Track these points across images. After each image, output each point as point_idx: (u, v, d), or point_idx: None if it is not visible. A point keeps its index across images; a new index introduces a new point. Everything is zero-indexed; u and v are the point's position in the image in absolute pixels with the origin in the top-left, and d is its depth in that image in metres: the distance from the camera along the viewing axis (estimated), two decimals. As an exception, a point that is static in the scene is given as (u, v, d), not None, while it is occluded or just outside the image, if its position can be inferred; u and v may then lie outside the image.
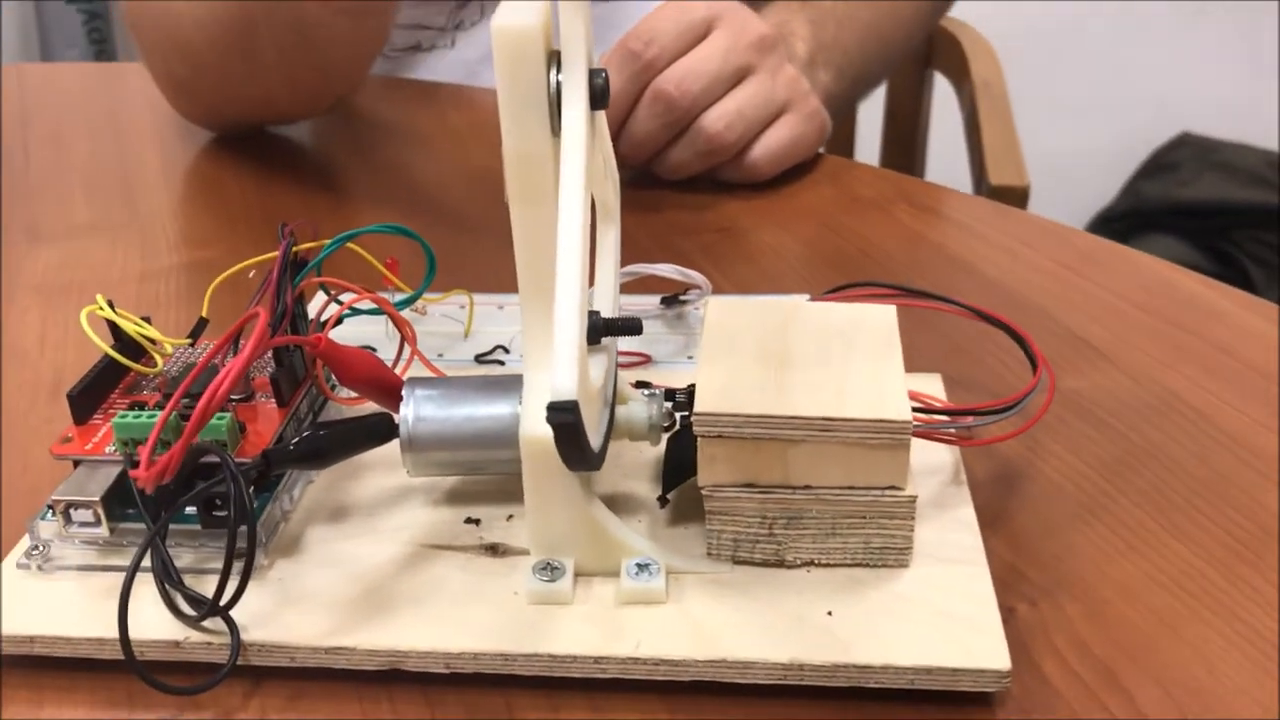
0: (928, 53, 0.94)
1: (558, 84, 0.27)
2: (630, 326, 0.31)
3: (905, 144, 0.99)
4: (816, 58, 0.61)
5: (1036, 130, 2.09)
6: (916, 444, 0.30)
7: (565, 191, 0.27)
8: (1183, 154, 1.91)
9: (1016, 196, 0.70)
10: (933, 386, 0.37)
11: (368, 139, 0.64)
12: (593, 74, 0.28)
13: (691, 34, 0.54)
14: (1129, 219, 1.93)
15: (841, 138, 1.03)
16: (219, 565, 0.28)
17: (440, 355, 0.41)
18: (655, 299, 0.43)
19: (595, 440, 0.27)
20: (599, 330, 0.30)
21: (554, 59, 0.27)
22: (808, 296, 0.42)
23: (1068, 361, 0.40)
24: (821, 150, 0.58)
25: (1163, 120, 1.96)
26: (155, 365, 0.34)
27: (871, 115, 0.99)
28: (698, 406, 0.29)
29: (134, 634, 0.28)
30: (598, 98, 0.28)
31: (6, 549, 0.32)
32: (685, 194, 0.55)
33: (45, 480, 0.36)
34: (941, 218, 0.52)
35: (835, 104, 0.64)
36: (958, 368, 0.39)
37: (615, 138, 0.54)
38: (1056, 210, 2.05)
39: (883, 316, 0.32)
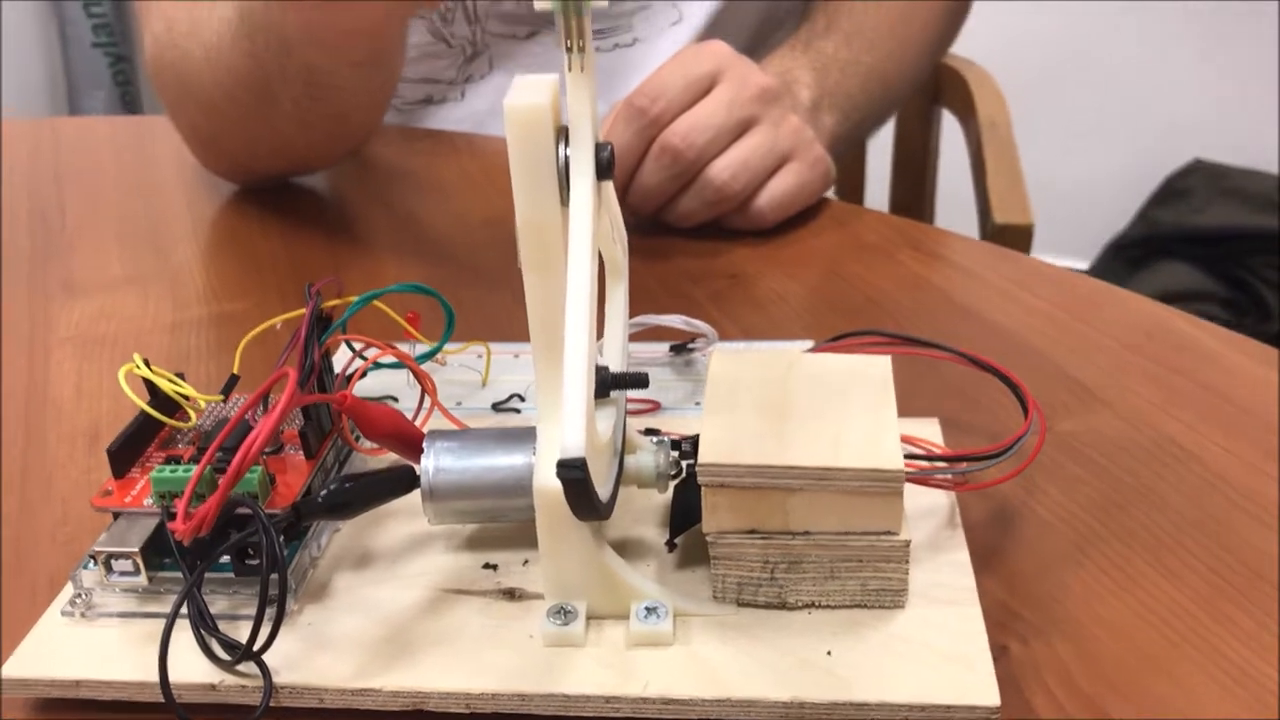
0: (935, 90, 0.96)
1: (566, 158, 0.29)
2: (637, 380, 0.33)
3: (915, 178, 1.01)
4: (821, 102, 0.63)
5: (1051, 158, 2.12)
6: (914, 488, 0.31)
7: (574, 259, 0.29)
8: (1194, 180, 1.93)
9: (1021, 235, 0.71)
10: (931, 431, 0.38)
11: (386, 188, 0.66)
12: (599, 147, 0.29)
13: (696, 89, 0.56)
14: (1143, 245, 1.94)
15: (852, 172, 1.05)
16: (251, 610, 0.30)
17: (459, 404, 0.42)
18: (665, 346, 0.45)
19: (604, 491, 0.29)
20: (607, 385, 0.32)
21: (562, 134, 0.29)
22: (811, 343, 0.43)
23: (1063, 404, 0.42)
24: (828, 194, 0.60)
25: (1174, 147, 1.97)
26: (189, 420, 0.36)
27: (881, 149, 1.01)
28: (701, 457, 0.30)
29: (172, 677, 0.29)
30: (604, 169, 0.30)
31: (49, 596, 0.34)
32: (694, 241, 0.56)
33: (84, 529, 0.39)
34: (944, 262, 0.53)
35: (840, 146, 0.65)
36: (957, 411, 0.40)
37: (625, 189, 0.56)
38: (1071, 237, 2.07)
39: (878, 367, 0.34)
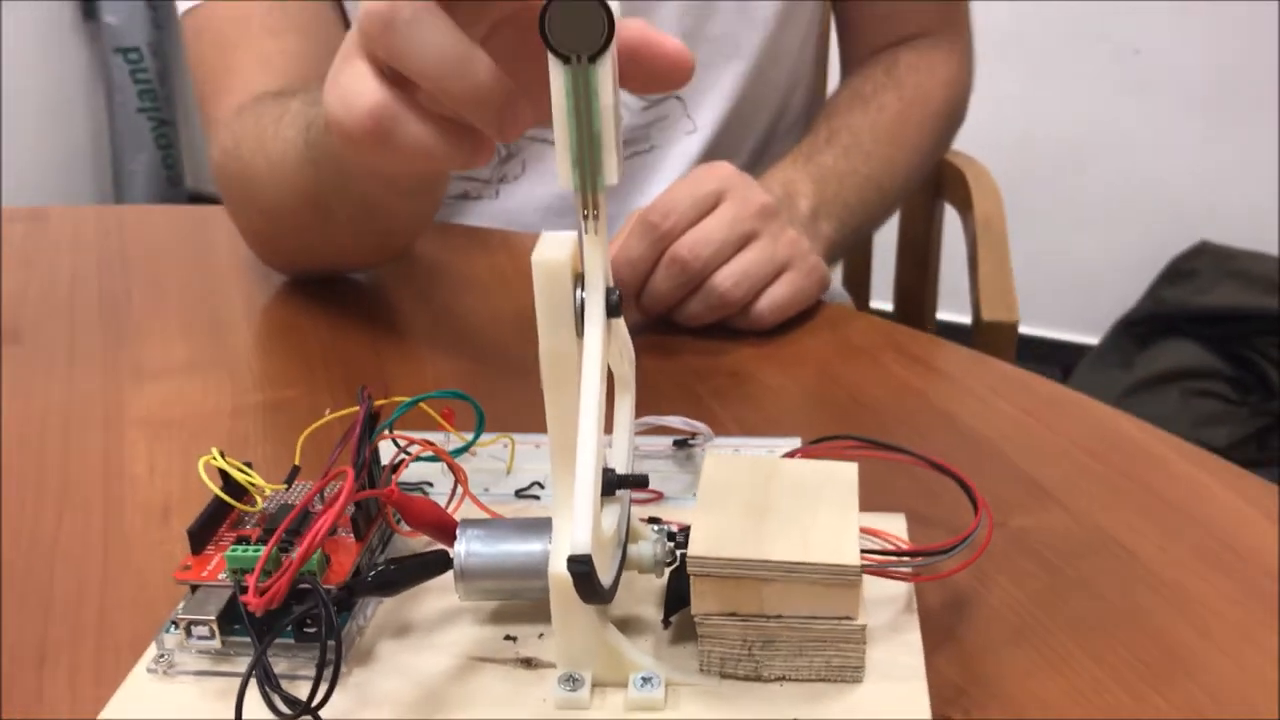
0: (938, 185, 1.02)
1: (582, 300, 0.35)
2: (638, 481, 0.39)
3: (919, 267, 1.07)
4: (820, 211, 0.69)
5: (1066, 237, 2.18)
6: (878, 578, 0.37)
7: (585, 384, 0.35)
8: (1201, 262, 1.98)
9: (1006, 330, 0.77)
10: (896, 526, 0.44)
11: (425, 282, 0.73)
12: (608, 292, 0.36)
13: (703, 206, 0.62)
14: (1150, 323, 1.99)
15: (859, 260, 1.11)
16: (306, 671, 0.36)
17: (486, 490, 0.48)
18: (668, 441, 0.50)
19: (607, 579, 0.35)
20: (613, 484, 0.38)
21: (579, 279, 0.35)
22: (799, 440, 0.49)
23: (1019, 501, 0.47)
24: (823, 299, 0.66)
25: (1182, 229, 2.03)
26: (256, 505, 0.42)
27: (887, 238, 1.07)
28: (691, 551, 0.36)
29: (243, 728, 0.35)
30: (613, 309, 0.36)
31: (130, 653, 0.39)
32: (700, 340, 0.62)
33: (160, 597, 0.44)
34: (924, 366, 0.59)
35: (838, 250, 0.72)
36: (922, 507, 0.46)
37: (638, 294, 0.62)
38: (1084, 313, 2.13)
39: (846, 473, 0.40)
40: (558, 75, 0.33)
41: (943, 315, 1.07)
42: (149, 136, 2.76)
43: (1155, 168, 2.03)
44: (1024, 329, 2.48)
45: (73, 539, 0.48)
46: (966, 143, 0.97)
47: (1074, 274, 2.16)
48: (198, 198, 2.86)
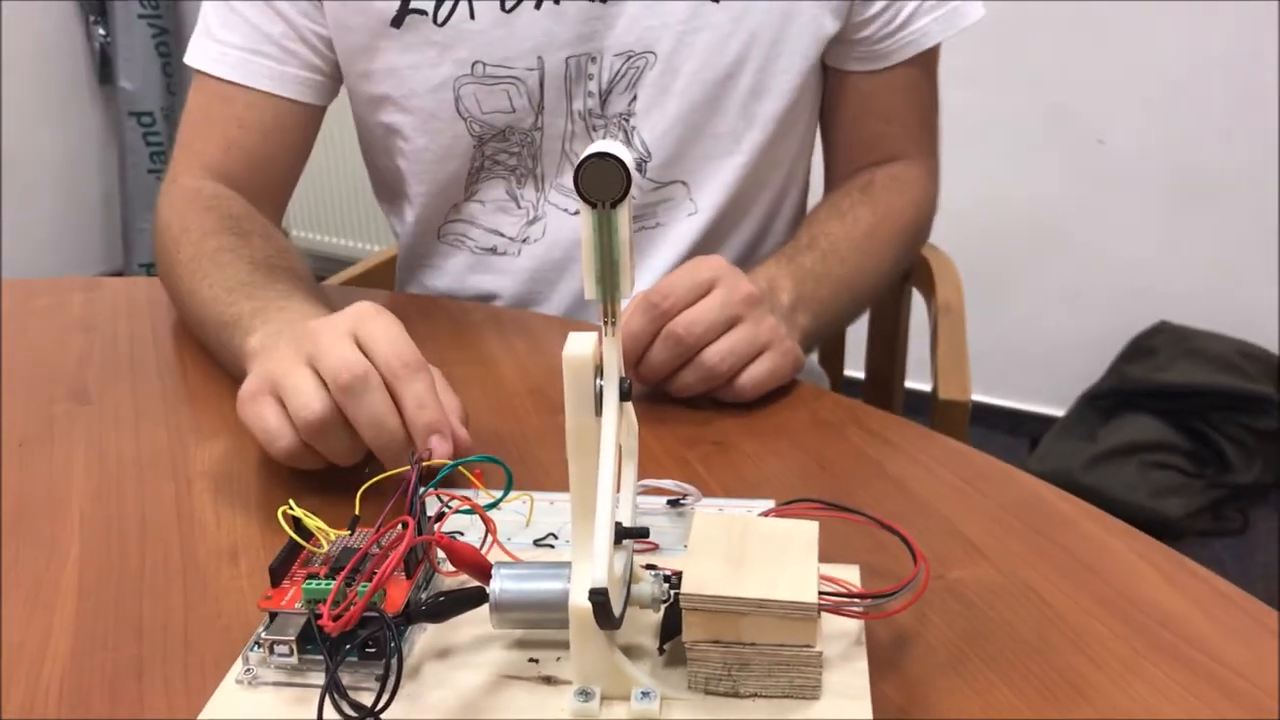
0: (906, 271, 1.12)
1: (600, 387, 0.44)
2: (641, 532, 0.48)
3: (888, 346, 1.17)
4: (798, 305, 0.79)
5: (1035, 315, 2.29)
6: (832, 616, 0.46)
7: (603, 453, 0.44)
8: (1160, 340, 2.09)
9: (959, 409, 0.86)
10: (851, 574, 0.53)
11: (450, 360, 0.82)
12: (622, 380, 0.45)
13: (698, 290, 0.72)
14: (1112, 398, 2.09)
15: (834, 341, 1.21)
16: (367, 685, 0.44)
17: (509, 539, 0.57)
18: (663, 501, 0.59)
19: (617, 609, 0.44)
20: (621, 535, 0.47)
21: (598, 370, 0.45)
22: (772, 502, 0.58)
23: (955, 557, 0.57)
24: (798, 377, 0.75)
25: (1143, 309, 2.14)
26: (322, 547, 0.51)
27: (860, 320, 1.17)
28: (683, 589, 0.45)
29: (321, 726, 0.44)
30: (625, 394, 0.45)
31: (215, 668, 0.48)
32: (690, 411, 0.72)
33: (235, 622, 0.53)
34: (880, 439, 0.68)
35: (812, 340, 0.82)
36: (875, 559, 0.55)
37: (636, 364, 0.71)
38: (1050, 388, 2.23)
39: (809, 530, 0.49)
40: (587, 216, 0.42)
41: (913, 384, 1.16)
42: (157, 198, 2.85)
43: (1120, 251, 2.15)
44: (994, 400, 2.58)
45: (155, 575, 0.57)
46: (948, 222, 1.06)
47: (1043, 349, 2.27)
48: (201, 255, 2.94)
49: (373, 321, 0.62)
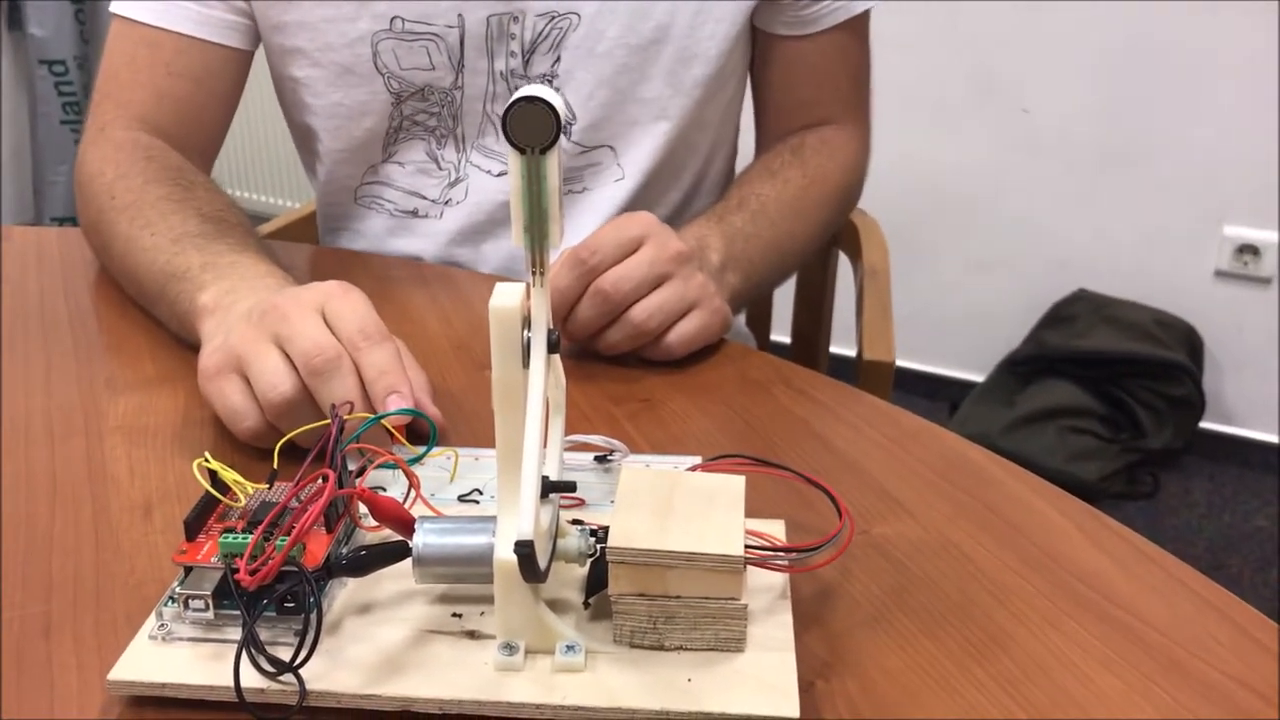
0: (834, 235, 1.12)
1: (528, 339, 0.44)
2: (568, 486, 0.47)
3: (814, 309, 1.17)
4: (727, 264, 0.79)
5: (957, 282, 2.31)
6: (757, 570, 0.46)
7: (530, 405, 0.43)
8: (1079, 308, 2.13)
9: (883, 369, 0.87)
10: (777, 529, 0.53)
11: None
12: (549, 332, 0.44)
13: (626, 247, 0.71)
14: (1032, 364, 2.13)
15: (761, 303, 1.21)
16: (285, 640, 0.43)
17: (433, 495, 0.56)
18: (590, 457, 0.59)
19: (543, 563, 0.43)
20: (547, 489, 0.46)
21: (525, 321, 0.44)
22: (699, 458, 0.58)
23: (879, 514, 0.57)
24: (725, 337, 0.75)
25: (1063, 277, 2.18)
26: (239, 501, 0.50)
27: (787, 283, 1.17)
28: (610, 543, 0.45)
29: (228, 685, 0.43)
30: (552, 346, 0.44)
31: (127, 624, 0.47)
32: (618, 369, 0.71)
33: (148, 578, 0.52)
34: (806, 397, 0.69)
35: (741, 300, 0.81)
36: (800, 514, 0.55)
37: (564, 321, 0.70)
38: (971, 353, 2.27)
39: (736, 485, 0.49)
40: (515, 162, 0.41)
41: (837, 349, 1.17)
42: (71, 149, 2.77)
43: (1042, 220, 2.18)
44: (916, 365, 2.62)
45: (66, 531, 0.55)
46: (875, 188, 1.06)
47: (964, 315, 2.30)
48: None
49: (341, 300, 0.61)
